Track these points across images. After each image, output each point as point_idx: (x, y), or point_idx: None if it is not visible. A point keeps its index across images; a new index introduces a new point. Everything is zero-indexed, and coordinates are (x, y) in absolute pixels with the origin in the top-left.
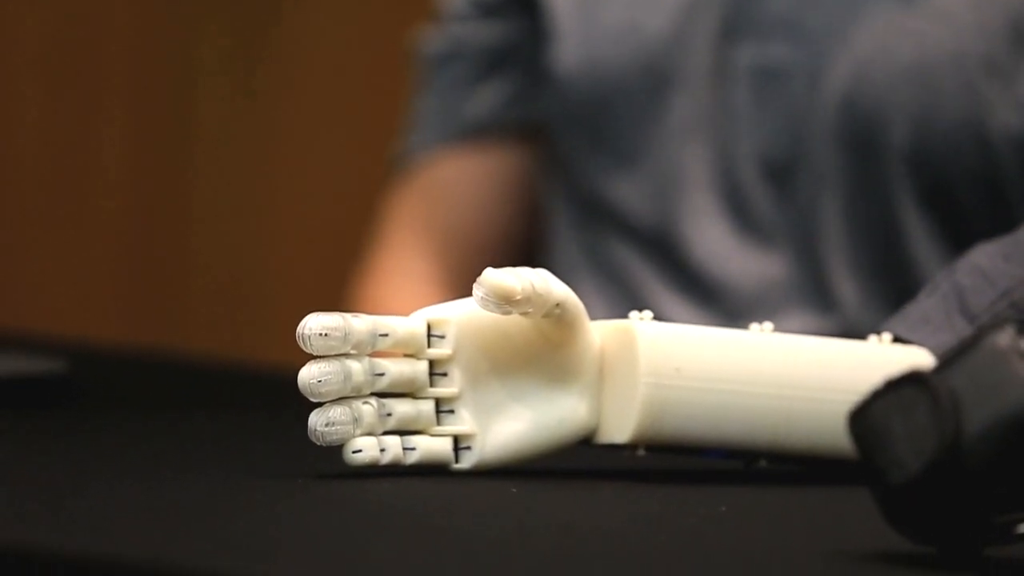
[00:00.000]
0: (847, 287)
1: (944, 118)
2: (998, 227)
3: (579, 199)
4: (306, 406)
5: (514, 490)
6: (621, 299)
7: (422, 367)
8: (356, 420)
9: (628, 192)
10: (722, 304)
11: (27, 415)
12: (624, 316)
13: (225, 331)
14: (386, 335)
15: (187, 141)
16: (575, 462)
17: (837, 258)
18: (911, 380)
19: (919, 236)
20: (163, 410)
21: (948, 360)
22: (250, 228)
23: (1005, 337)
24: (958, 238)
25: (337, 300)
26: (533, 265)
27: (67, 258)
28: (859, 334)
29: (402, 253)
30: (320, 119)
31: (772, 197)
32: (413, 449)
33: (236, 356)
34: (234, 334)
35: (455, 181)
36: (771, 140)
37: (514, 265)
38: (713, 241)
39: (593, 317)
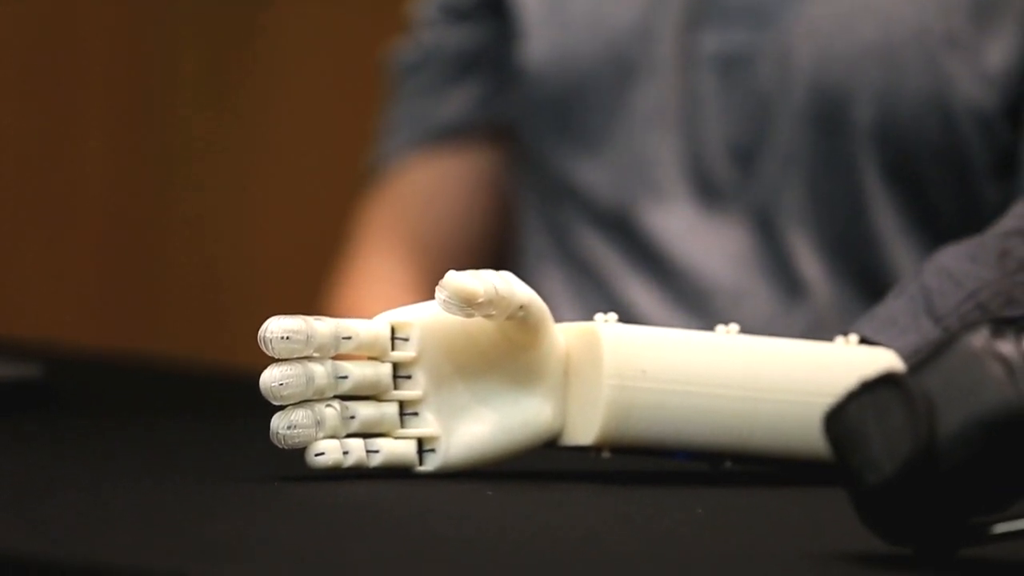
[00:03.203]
0: (812, 264)
1: (908, 94)
2: (961, 201)
3: (547, 189)
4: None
5: (490, 493)
6: (590, 287)
7: (385, 370)
8: (319, 423)
9: (596, 179)
10: (689, 286)
11: (1, 420)
12: (593, 305)
13: (201, 335)
14: (349, 338)
15: (165, 148)
16: (545, 464)
17: (802, 235)
18: (886, 382)
19: (883, 210)
20: (138, 415)
21: (923, 361)
22: (226, 233)
23: (980, 339)
24: (922, 212)
25: (313, 305)
26: (506, 264)
27: (43, 263)
28: (825, 312)
29: (377, 258)
30: (297, 128)
31: (738, 180)
32: (377, 452)
33: (212, 360)
34: (210, 338)
35: (428, 185)
36: (738, 125)
37: (489, 267)
38: (679, 225)
39: (562, 305)
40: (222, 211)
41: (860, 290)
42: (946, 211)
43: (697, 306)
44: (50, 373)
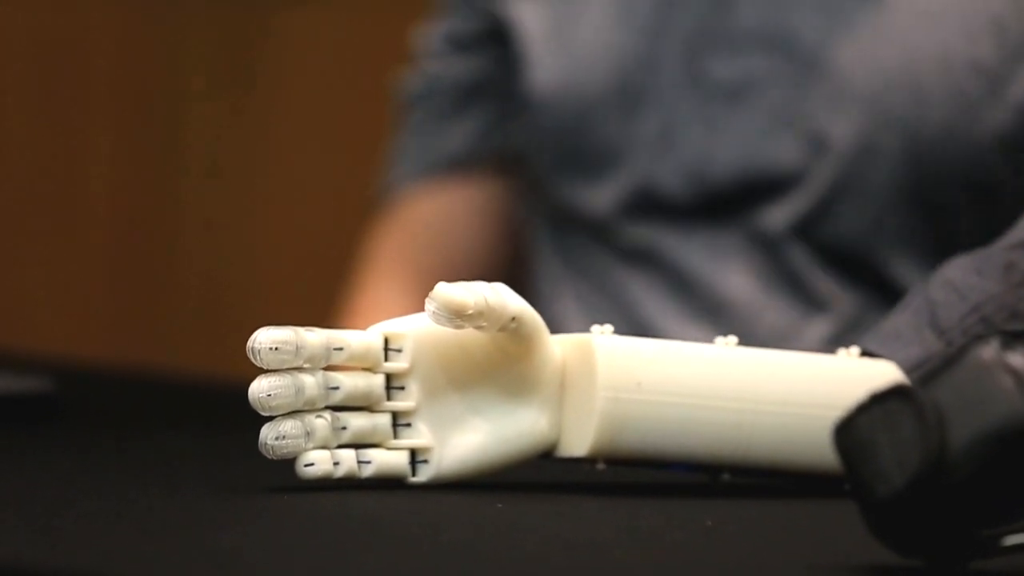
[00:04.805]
0: (830, 285)
1: (932, 121)
2: (986, 228)
3: (556, 214)
4: None
5: (500, 505)
6: (606, 308)
7: (378, 381)
8: (308, 434)
9: (604, 205)
10: (706, 303)
11: (13, 433)
12: (609, 321)
13: (210, 349)
14: (340, 349)
15: (174, 161)
16: (547, 476)
17: (819, 258)
18: (896, 394)
19: (905, 237)
20: (148, 427)
21: (933, 373)
22: (235, 246)
23: (990, 351)
24: (945, 239)
25: (322, 322)
26: (520, 290)
27: (53, 276)
28: (844, 327)
29: (384, 287)
30: (305, 140)
31: (749, 203)
32: (368, 463)
33: (221, 374)
34: (218, 351)
35: (435, 214)
36: (748, 147)
37: None
38: (691, 246)
39: (579, 327)
40: (230, 224)
41: (879, 306)
42: (970, 238)
43: (716, 321)
44: (60, 386)
